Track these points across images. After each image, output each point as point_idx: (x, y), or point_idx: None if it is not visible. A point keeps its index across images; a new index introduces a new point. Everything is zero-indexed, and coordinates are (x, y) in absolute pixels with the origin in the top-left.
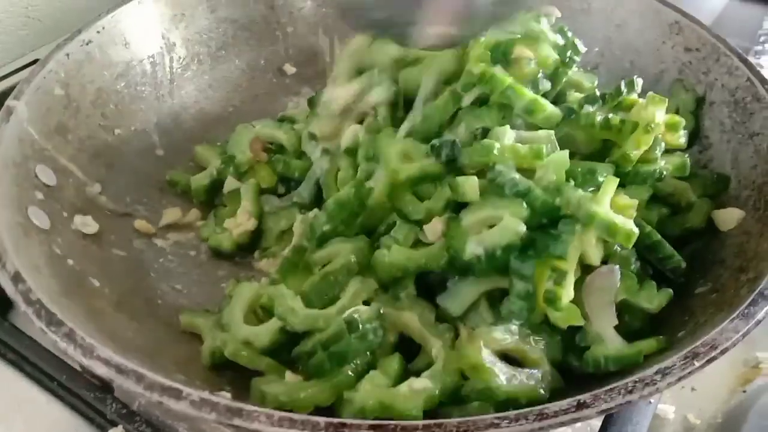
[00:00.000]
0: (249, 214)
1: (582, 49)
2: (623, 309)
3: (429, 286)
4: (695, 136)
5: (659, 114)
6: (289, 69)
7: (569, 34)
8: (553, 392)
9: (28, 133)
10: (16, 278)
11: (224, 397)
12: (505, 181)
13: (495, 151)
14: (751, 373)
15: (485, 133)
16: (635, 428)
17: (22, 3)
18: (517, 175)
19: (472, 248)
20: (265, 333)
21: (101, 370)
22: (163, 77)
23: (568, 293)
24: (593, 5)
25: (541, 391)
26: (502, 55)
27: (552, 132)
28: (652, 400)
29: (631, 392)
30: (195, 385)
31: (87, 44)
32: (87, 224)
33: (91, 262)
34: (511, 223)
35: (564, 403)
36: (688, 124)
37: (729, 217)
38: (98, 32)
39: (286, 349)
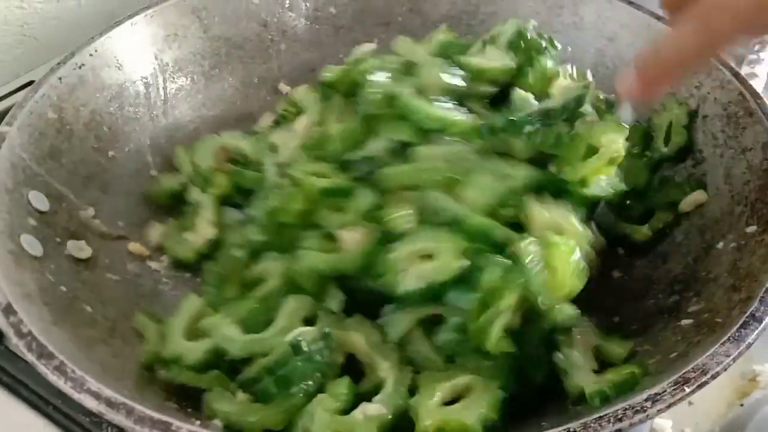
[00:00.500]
0: (209, 225)
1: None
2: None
3: (371, 305)
4: (688, 150)
5: (618, 142)
6: (284, 87)
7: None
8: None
9: (21, 159)
10: (8, 310)
11: (216, 428)
12: (436, 208)
13: (414, 172)
14: (749, 387)
15: (404, 147)
16: None
17: (17, 21)
18: (449, 203)
19: (406, 284)
20: (195, 350)
21: (91, 404)
22: (157, 98)
23: (497, 332)
24: (585, 19)
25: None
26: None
27: (467, 149)
28: None
29: (620, 420)
30: (187, 413)
31: (80, 67)
32: (80, 249)
33: (84, 288)
34: (448, 261)
35: None
36: (680, 138)
37: (692, 200)
38: (91, 55)
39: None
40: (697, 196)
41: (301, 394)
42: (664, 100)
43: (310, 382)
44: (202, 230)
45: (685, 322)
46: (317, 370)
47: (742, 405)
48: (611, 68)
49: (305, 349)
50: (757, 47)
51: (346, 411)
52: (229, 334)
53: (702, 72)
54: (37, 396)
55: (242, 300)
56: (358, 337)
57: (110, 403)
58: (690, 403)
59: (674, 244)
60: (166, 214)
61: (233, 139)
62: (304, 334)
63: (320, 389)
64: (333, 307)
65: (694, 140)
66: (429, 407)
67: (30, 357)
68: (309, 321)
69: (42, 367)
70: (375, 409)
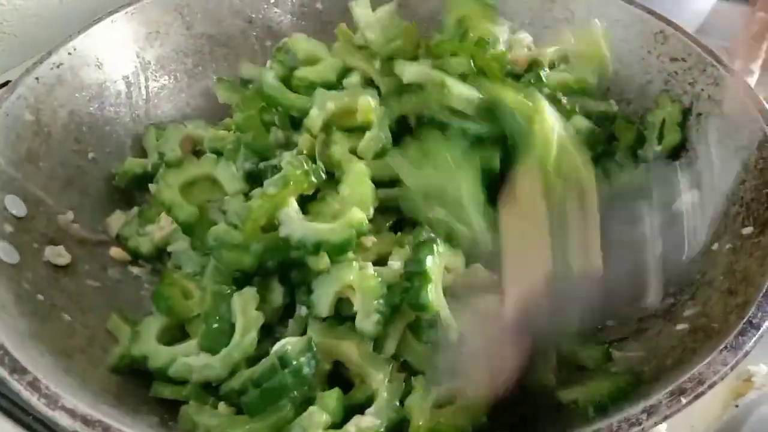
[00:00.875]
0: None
1: None
2: None
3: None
4: (681, 147)
5: None
6: None
7: None
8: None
9: None
10: None
11: None
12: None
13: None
14: (744, 387)
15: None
16: None
17: None
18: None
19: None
20: (165, 354)
21: (66, 421)
22: (138, 97)
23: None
24: (576, 14)
25: None
26: None
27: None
28: None
29: None
30: (168, 427)
31: (58, 67)
32: (59, 255)
33: (63, 296)
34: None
35: None
36: (674, 136)
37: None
38: (69, 54)
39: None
40: (691, 196)
41: (288, 407)
42: (657, 98)
43: (299, 394)
44: (165, 224)
45: (680, 326)
46: (304, 382)
47: (737, 406)
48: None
49: (293, 361)
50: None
51: (337, 423)
52: (187, 362)
53: (696, 69)
54: (15, 405)
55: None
56: (349, 347)
57: (86, 421)
58: None
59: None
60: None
61: (199, 129)
62: (291, 344)
63: (308, 400)
64: (276, 301)
65: (688, 138)
66: (423, 408)
67: (2, 372)
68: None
69: (15, 383)
70: (368, 421)
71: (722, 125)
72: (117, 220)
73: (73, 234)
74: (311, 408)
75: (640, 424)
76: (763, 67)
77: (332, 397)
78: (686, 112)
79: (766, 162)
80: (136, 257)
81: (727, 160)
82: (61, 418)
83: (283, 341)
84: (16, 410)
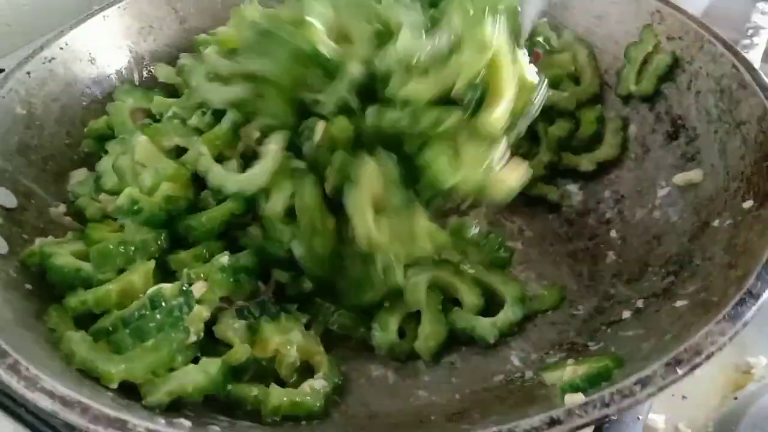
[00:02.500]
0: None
1: None
2: None
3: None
4: (652, 100)
5: None
6: None
7: None
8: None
9: None
10: None
11: (182, 426)
12: None
13: None
14: (743, 379)
15: None
16: None
17: None
18: None
19: None
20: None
21: (45, 402)
22: None
23: None
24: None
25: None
26: None
27: None
28: (640, 417)
29: (608, 405)
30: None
31: (50, 61)
32: None
33: (52, 286)
34: None
35: (535, 420)
36: (649, 86)
37: (686, 178)
38: (62, 48)
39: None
40: (693, 175)
41: (165, 351)
42: (642, 33)
43: (171, 337)
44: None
45: (680, 303)
46: (176, 325)
47: (736, 398)
48: (600, 48)
49: (163, 303)
50: (750, 32)
51: None
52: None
53: (693, 47)
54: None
55: None
56: (295, 335)
57: (65, 402)
58: (683, 397)
59: (669, 224)
60: None
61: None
62: (164, 289)
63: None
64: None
65: (664, 94)
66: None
67: None
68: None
69: None
70: (319, 384)
71: (721, 102)
72: (80, 175)
73: (64, 226)
74: (190, 366)
75: (633, 395)
76: None
77: (215, 364)
78: (672, 67)
79: (766, 135)
80: (78, 217)
81: (727, 135)
82: (41, 400)
83: (156, 286)
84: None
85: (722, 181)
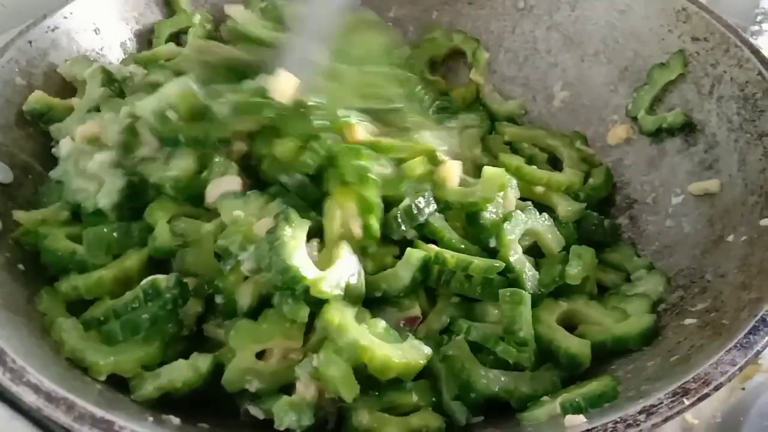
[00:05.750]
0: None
1: None
2: None
3: None
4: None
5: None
6: None
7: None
8: None
9: None
10: None
11: (170, 424)
12: None
13: None
14: (750, 370)
15: None
16: None
17: None
18: None
19: None
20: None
21: (30, 397)
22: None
23: None
24: None
25: None
26: None
27: None
28: None
29: None
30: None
31: (53, 30)
32: None
33: (45, 267)
34: None
35: None
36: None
37: (702, 187)
38: (65, 17)
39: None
40: (710, 185)
41: (156, 344)
42: (671, 58)
43: (164, 330)
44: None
45: (688, 321)
46: (169, 318)
47: (743, 389)
48: (621, 42)
49: (158, 295)
50: (759, 17)
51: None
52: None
53: (718, 49)
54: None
55: None
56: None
57: (49, 398)
58: None
59: (681, 235)
60: None
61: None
62: (159, 281)
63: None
64: None
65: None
66: None
67: None
68: None
69: None
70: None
71: (744, 110)
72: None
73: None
74: (180, 361)
75: (637, 425)
76: None
77: (205, 361)
78: (683, 127)
79: None
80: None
81: (748, 146)
82: (26, 394)
83: (151, 277)
84: None
85: (739, 193)
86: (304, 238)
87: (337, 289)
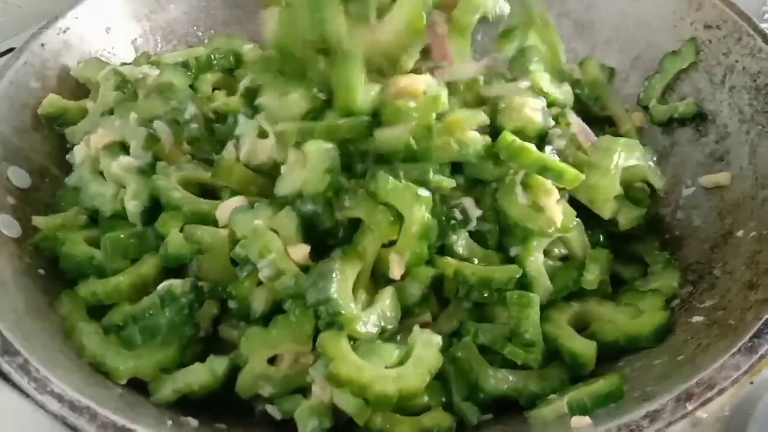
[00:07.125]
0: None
1: None
2: None
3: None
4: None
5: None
6: None
7: None
8: None
9: (0, 133)
10: None
11: (189, 426)
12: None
13: None
14: (759, 364)
15: None
16: None
17: None
18: None
19: None
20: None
21: (54, 406)
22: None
23: None
24: None
25: None
26: None
27: None
28: None
29: None
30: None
31: (64, 32)
32: None
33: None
34: None
35: None
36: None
37: (713, 180)
38: (77, 18)
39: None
40: (720, 177)
41: (174, 348)
42: (684, 45)
43: (181, 334)
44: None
45: (696, 319)
46: (185, 323)
47: (752, 383)
48: (633, 30)
49: (174, 301)
50: (767, 15)
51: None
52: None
53: (730, 38)
54: None
55: None
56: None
57: (73, 406)
58: None
59: (691, 229)
60: None
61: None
62: (174, 286)
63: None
64: None
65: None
66: None
67: None
68: None
69: (5, 365)
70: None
71: (756, 100)
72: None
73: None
74: (197, 364)
75: (641, 430)
76: None
77: (221, 364)
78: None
79: None
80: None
81: (759, 138)
82: (50, 403)
83: (166, 282)
84: None
85: (750, 187)
86: (355, 276)
87: (371, 331)
